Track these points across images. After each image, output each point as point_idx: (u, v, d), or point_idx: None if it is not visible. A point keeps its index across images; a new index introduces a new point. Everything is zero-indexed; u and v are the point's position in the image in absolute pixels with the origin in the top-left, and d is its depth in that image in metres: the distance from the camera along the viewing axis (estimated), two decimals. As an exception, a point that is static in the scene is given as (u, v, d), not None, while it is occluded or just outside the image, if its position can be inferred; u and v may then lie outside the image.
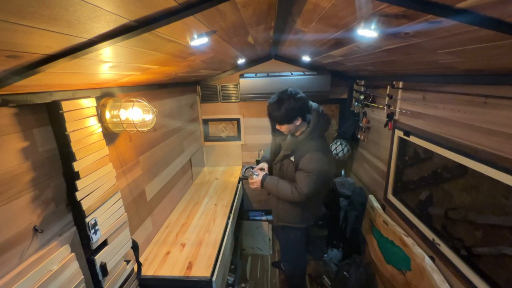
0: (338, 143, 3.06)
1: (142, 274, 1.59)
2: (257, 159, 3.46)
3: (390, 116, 2.09)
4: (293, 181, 1.78)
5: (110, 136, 1.44)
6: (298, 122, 1.68)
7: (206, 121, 3.36)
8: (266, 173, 1.94)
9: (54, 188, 1.07)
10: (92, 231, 1.15)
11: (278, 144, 1.94)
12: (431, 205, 1.69)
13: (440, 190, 1.62)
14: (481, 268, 1.29)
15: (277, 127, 1.75)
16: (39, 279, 0.93)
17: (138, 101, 1.36)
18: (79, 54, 0.69)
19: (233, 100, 3.23)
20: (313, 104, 1.79)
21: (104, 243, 1.25)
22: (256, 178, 1.90)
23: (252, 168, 2.00)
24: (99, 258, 1.19)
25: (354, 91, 3.03)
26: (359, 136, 2.89)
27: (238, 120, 3.33)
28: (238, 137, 3.40)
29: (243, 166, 2.63)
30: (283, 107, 1.62)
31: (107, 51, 0.79)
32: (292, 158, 1.77)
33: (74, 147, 1.07)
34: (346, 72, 2.80)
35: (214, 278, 1.61)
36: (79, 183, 1.09)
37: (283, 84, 2.87)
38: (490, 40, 0.70)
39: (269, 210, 2.69)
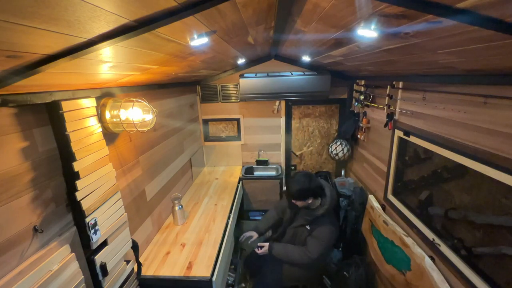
0: (338, 143, 3.07)
1: (142, 274, 1.59)
2: (257, 158, 3.47)
3: (390, 116, 2.09)
4: (303, 245, 2.03)
5: (110, 136, 1.44)
6: (310, 201, 1.97)
7: (206, 121, 3.36)
8: (271, 241, 2.16)
9: (54, 188, 1.07)
10: (92, 231, 1.15)
11: (293, 213, 2.19)
12: (431, 205, 1.69)
13: (440, 190, 1.61)
14: (481, 268, 1.29)
15: (293, 201, 2.02)
16: (39, 279, 0.93)
17: (138, 101, 1.36)
18: (79, 54, 0.69)
19: (233, 100, 3.24)
20: (326, 184, 2.09)
21: (104, 243, 1.25)
22: (264, 248, 2.12)
23: (251, 237, 2.29)
24: (99, 258, 1.19)
25: (354, 91, 3.03)
26: (359, 136, 2.89)
27: (238, 120, 3.33)
28: (238, 137, 3.41)
29: (243, 235, 2.35)
30: (298, 187, 1.92)
31: (107, 51, 0.79)
32: (307, 227, 2.05)
33: (74, 147, 1.07)
34: (346, 72, 2.80)
35: (214, 278, 1.61)
36: (79, 183, 1.09)
37: (283, 84, 2.87)
38: (490, 40, 0.70)
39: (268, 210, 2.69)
